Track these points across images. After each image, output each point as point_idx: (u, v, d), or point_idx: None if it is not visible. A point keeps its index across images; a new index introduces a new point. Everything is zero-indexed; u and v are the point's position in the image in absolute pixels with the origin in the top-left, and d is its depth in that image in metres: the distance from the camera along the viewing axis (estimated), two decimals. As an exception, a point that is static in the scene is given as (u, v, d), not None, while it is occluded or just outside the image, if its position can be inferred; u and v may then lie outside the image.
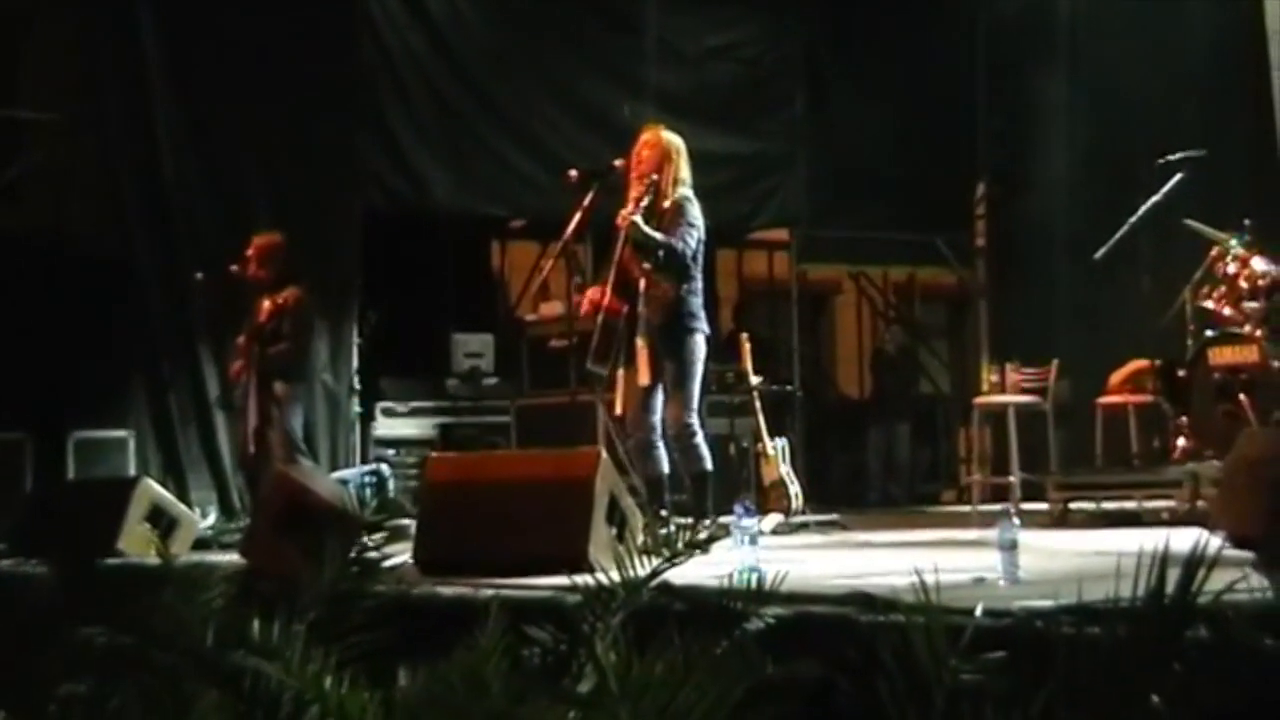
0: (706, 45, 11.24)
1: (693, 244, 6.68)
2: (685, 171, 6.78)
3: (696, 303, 6.74)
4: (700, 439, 6.69)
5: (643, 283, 6.67)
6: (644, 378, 6.59)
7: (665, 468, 6.69)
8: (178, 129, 9.54)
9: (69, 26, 9.45)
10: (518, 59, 10.50)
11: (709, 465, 6.70)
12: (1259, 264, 7.81)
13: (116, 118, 9.49)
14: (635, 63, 10.86)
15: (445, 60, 10.30)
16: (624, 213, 6.62)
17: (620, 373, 6.71)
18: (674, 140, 6.81)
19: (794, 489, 8.30)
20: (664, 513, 6.48)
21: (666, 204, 6.68)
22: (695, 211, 6.72)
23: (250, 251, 8.27)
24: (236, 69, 9.47)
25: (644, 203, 6.61)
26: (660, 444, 6.69)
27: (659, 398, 6.70)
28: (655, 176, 6.67)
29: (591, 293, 6.99)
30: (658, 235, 6.60)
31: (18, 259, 8.88)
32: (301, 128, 9.60)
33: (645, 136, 6.84)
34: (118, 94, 9.49)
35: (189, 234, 9.48)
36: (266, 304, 8.27)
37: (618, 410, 6.83)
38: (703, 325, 6.75)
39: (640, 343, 6.61)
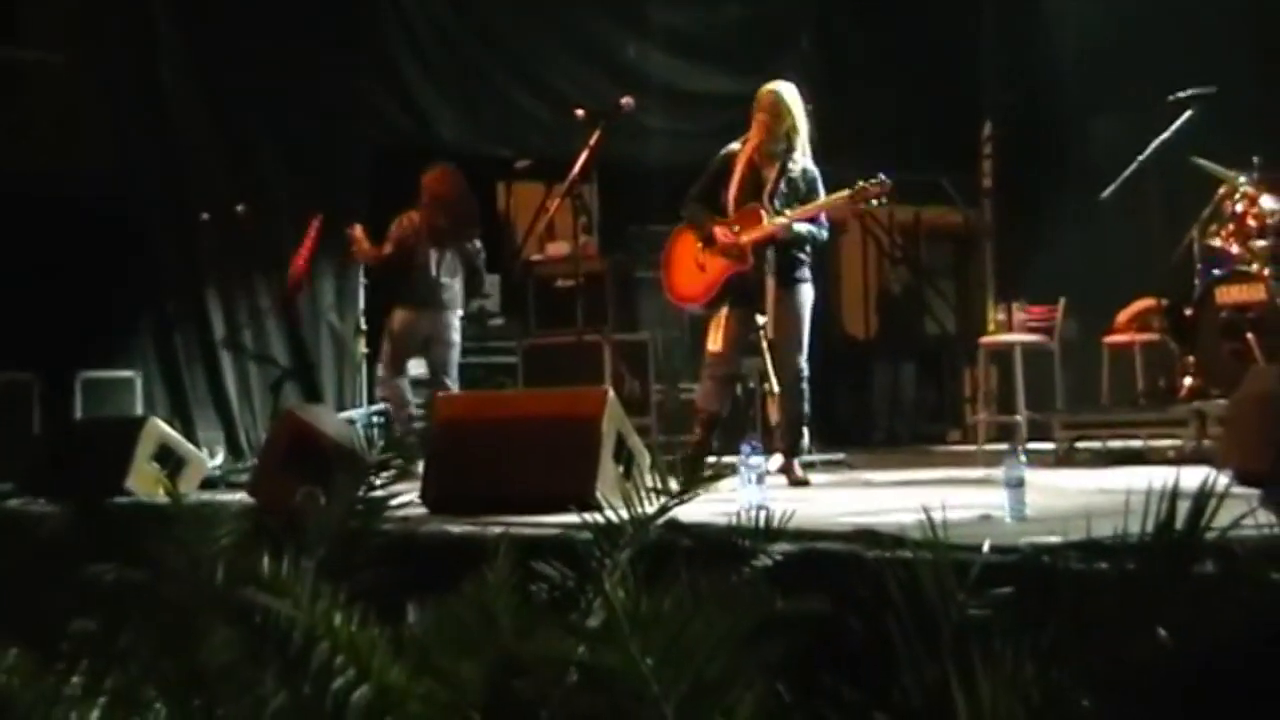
0: (712, -16, 11.17)
1: (827, 229, 7.03)
2: (805, 126, 6.91)
3: (810, 256, 7.02)
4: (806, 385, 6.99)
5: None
6: (773, 331, 6.80)
7: (726, 409, 6.98)
8: (181, 68, 9.49)
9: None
10: (523, -3, 10.44)
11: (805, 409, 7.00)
12: (1267, 202, 7.78)
13: (120, 58, 9.44)
14: (641, 2, 10.78)
15: (451, -2, 10.24)
16: (779, 222, 6.78)
17: (724, 311, 6.85)
18: (791, 93, 6.99)
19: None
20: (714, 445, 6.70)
21: (798, 169, 6.77)
22: (818, 184, 6.96)
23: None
24: (241, 7, 9.41)
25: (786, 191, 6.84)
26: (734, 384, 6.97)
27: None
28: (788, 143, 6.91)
29: (722, 233, 7.01)
30: (806, 231, 6.86)
31: (22, 199, 8.86)
32: (307, 66, 9.55)
33: (766, 99, 6.94)
34: (121, 34, 9.44)
35: (194, 173, 9.46)
36: None
37: (713, 346, 6.96)
38: (809, 277, 7.01)
39: (770, 292, 6.80)
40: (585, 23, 10.64)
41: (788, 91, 6.99)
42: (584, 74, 10.32)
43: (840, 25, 11.55)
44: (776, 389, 8.41)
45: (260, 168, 9.37)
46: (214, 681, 2.48)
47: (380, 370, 8.61)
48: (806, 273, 6.98)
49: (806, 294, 6.96)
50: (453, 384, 8.25)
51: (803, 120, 6.95)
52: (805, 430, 7.02)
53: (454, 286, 8.31)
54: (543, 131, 10.09)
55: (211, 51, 9.49)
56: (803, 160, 6.89)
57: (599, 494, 4.74)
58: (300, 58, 9.52)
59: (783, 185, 6.86)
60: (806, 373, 6.97)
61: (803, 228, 6.86)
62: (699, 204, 7.01)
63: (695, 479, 2.92)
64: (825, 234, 7.04)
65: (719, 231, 6.92)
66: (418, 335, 8.32)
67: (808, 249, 6.97)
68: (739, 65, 11.00)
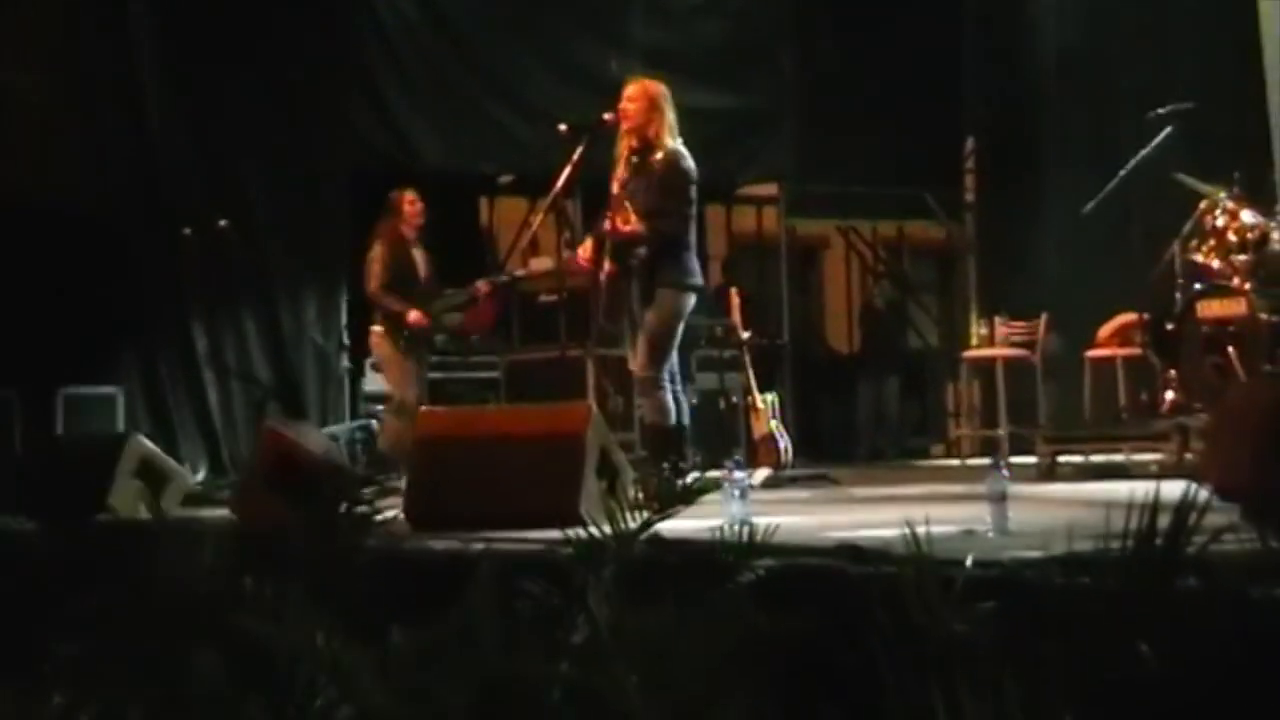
0: (693, 0, 11.18)
1: (689, 214, 6.68)
2: (672, 118, 6.76)
3: (687, 257, 6.74)
4: (665, 393, 6.63)
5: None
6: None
7: (675, 420, 6.68)
8: (164, 87, 9.48)
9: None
10: (503, 14, 10.44)
11: (671, 421, 6.66)
12: (1248, 217, 7.81)
13: (102, 77, 9.43)
14: (622, 18, 10.80)
15: (431, 14, 10.24)
16: (606, 227, 6.64)
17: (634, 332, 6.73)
18: (658, 89, 6.78)
19: (784, 443, 8.32)
20: (682, 464, 6.46)
21: (658, 156, 6.64)
22: (689, 176, 6.68)
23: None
24: (223, 27, 9.40)
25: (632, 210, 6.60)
26: (671, 395, 6.67)
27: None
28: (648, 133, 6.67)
29: (583, 250, 6.97)
30: (641, 231, 6.58)
31: (4, 218, 8.84)
32: (288, 86, 9.55)
33: (629, 90, 6.81)
34: (103, 53, 9.43)
35: (174, 191, 9.45)
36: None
37: (633, 366, 6.84)
38: (693, 280, 6.74)
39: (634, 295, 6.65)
40: (566, 39, 10.65)
41: (652, 86, 6.78)
42: (565, 90, 10.31)
43: (821, 42, 11.57)
44: (760, 405, 8.44)
45: (241, 185, 9.36)
46: (197, 703, 2.47)
47: None
48: (669, 274, 6.62)
49: (667, 297, 6.60)
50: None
51: (668, 116, 6.69)
52: (676, 438, 6.63)
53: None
54: (525, 147, 10.09)
55: (192, 70, 9.48)
56: (663, 156, 6.62)
57: (582, 510, 4.74)
58: (280, 76, 9.52)
59: (640, 183, 6.64)
60: (663, 381, 6.60)
61: (629, 228, 6.59)
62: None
63: (677, 496, 2.93)
64: (674, 226, 6.61)
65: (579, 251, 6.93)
66: None
67: (673, 250, 6.61)
68: (720, 81, 11.03)
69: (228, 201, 8.87)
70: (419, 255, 8.61)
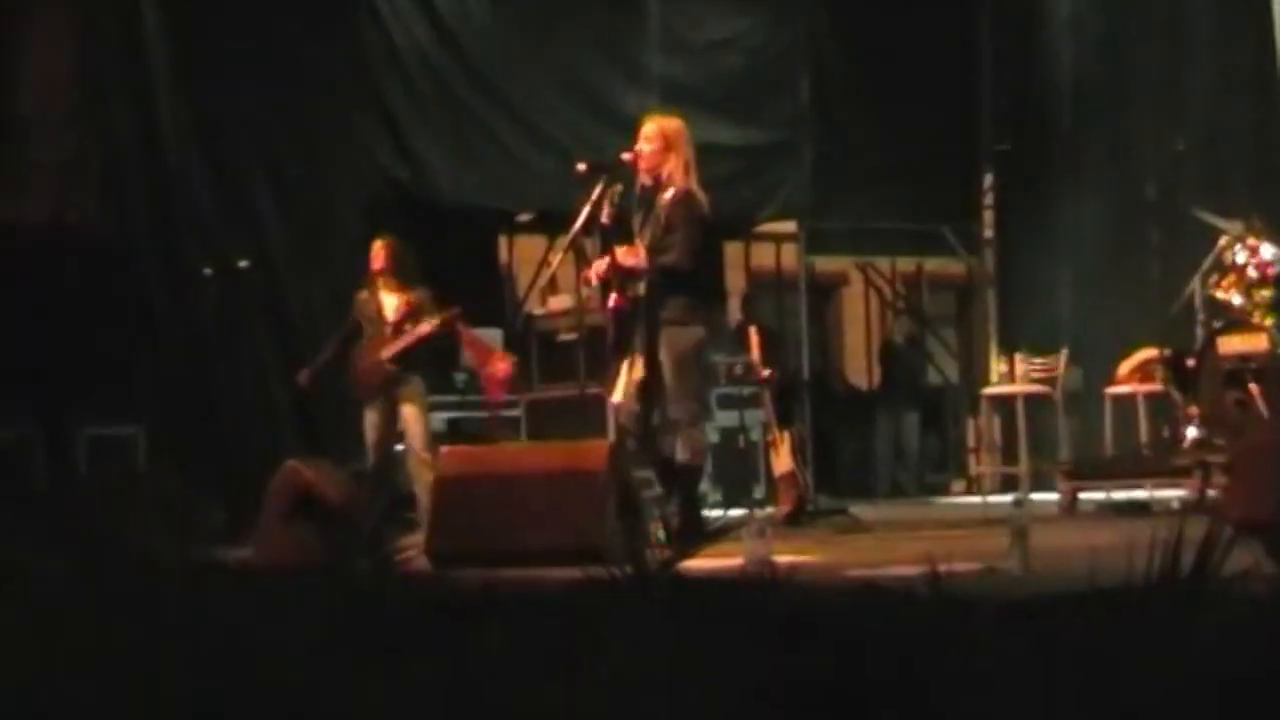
0: (711, 36, 11.23)
1: (694, 250, 6.56)
2: (690, 155, 6.72)
3: (695, 293, 6.66)
4: (698, 430, 6.60)
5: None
6: (638, 370, 6.58)
7: (680, 456, 6.60)
8: (181, 121, 9.52)
9: (70, 19, 9.44)
10: (522, 49, 10.49)
11: (699, 460, 6.62)
12: (1268, 252, 7.80)
13: (119, 110, 9.48)
14: (640, 53, 10.86)
15: (450, 50, 10.30)
16: (609, 258, 6.63)
17: (625, 363, 6.68)
18: (674, 127, 6.74)
19: (804, 480, 8.30)
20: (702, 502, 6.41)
21: (668, 195, 6.61)
22: (696, 213, 6.59)
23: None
24: (240, 60, 9.45)
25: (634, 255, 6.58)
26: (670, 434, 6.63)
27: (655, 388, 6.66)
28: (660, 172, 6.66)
29: (598, 265, 6.90)
30: (640, 265, 6.55)
31: (23, 253, 8.88)
32: (306, 119, 9.60)
33: (645, 129, 6.79)
34: (120, 86, 9.48)
35: (194, 227, 9.48)
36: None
37: (615, 399, 6.74)
38: (696, 313, 6.65)
39: (638, 335, 6.61)
40: (585, 74, 10.70)
41: (668, 125, 6.73)
42: (583, 124, 10.36)
43: (839, 76, 11.61)
44: (780, 441, 8.42)
45: (259, 220, 9.39)
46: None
47: None
48: (678, 311, 6.54)
49: (676, 334, 6.52)
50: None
51: (684, 154, 6.63)
52: (699, 475, 6.61)
53: None
54: (542, 183, 10.12)
55: (210, 105, 9.52)
56: (673, 193, 6.57)
57: (603, 546, 4.73)
58: (298, 111, 9.56)
59: (650, 219, 6.60)
60: (694, 417, 6.54)
61: (632, 261, 6.55)
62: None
63: (697, 536, 2.92)
64: (674, 261, 6.51)
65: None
66: None
67: (677, 285, 6.55)
68: (738, 115, 11.06)
69: (245, 235, 8.88)
70: (390, 299, 8.43)
